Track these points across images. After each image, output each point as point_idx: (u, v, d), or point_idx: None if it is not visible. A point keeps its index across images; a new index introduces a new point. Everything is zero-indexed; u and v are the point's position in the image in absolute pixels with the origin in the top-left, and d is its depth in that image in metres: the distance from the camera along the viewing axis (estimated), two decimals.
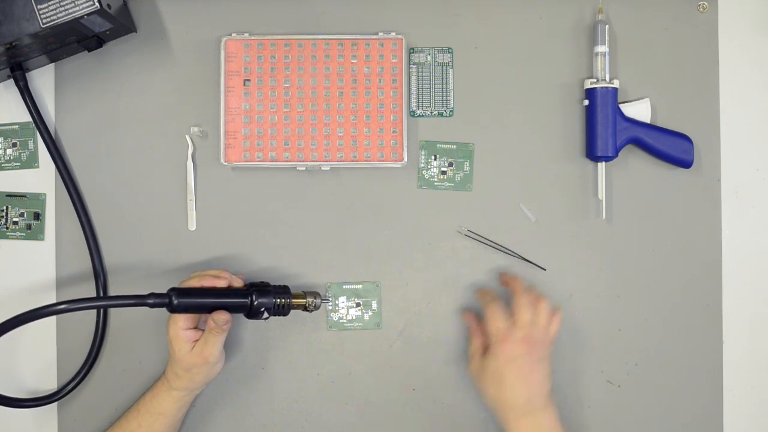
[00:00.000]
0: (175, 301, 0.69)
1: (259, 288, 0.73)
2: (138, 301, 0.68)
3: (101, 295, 0.79)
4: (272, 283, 0.75)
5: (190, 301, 0.70)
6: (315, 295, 0.76)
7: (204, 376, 0.74)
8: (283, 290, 0.74)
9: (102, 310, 0.79)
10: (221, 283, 0.71)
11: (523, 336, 0.71)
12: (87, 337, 0.80)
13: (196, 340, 0.72)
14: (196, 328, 0.73)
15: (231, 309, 0.71)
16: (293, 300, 0.74)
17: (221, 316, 0.70)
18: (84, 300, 0.65)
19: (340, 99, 0.79)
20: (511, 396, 0.70)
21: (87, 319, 0.80)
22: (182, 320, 0.71)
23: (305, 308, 0.75)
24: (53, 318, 0.80)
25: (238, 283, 0.73)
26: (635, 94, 0.81)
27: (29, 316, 0.64)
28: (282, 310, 0.73)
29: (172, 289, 0.69)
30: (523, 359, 0.70)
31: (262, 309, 0.72)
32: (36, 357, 0.81)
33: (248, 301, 0.72)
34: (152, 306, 0.68)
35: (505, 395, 0.70)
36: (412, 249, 0.81)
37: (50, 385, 0.80)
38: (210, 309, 0.71)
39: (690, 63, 0.82)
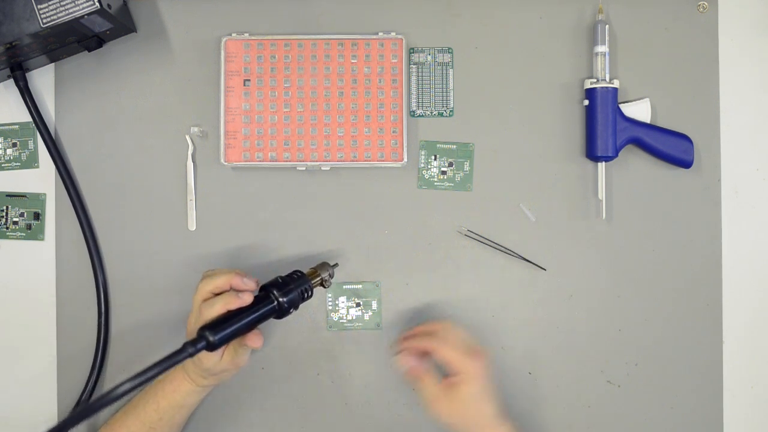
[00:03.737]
0: (212, 339, 0.65)
1: (277, 286, 0.70)
2: (178, 357, 0.63)
3: (103, 298, 0.79)
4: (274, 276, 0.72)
5: (226, 333, 0.66)
6: (325, 266, 0.75)
7: (232, 375, 0.73)
8: (299, 277, 0.72)
9: (103, 316, 0.79)
10: (247, 300, 0.68)
11: (481, 356, 0.72)
12: (88, 338, 0.80)
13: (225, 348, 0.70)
14: None
15: (262, 320, 0.69)
16: (311, 281, 0.73)
17: (256, 345, 0.68)
18: (130, 380, 0.59)
19: (340, 99, 0.79)
20: (490, 412, 0.71)
21: (88, 323, 0.80)
22: None
23: (322, 284, 0.74)
24: (53, 323, 0.80)
25: (251, 286, 0.70)
26: (635, 94, 0.81)
27: (92, 407, 0.59)
28: (307, 297, 0.72)
29: (203, 329, 0.65)
30: (487, 377, 0.72)
31: (291, 309, 0.70)
32: (36, 359, 0.81)
33: (275, 305, 0.69)
34: (193, 354, 0.64)
35: (484, 413, 0.71)
36: (412, 249, 0.81)
37: (50, 389, 0.80)
38: (245, 331, 0.68)
39: (690, 63, 0.82)
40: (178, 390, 0.73)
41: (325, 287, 0.75)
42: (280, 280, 0.71)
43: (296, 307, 0.71)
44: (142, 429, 0.73)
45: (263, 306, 0.69)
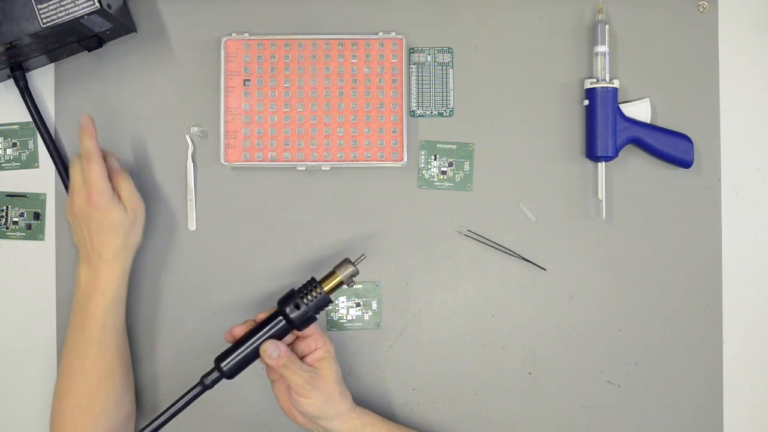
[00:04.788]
0: (225, 367, 0.70)
1: (287, 300, 0.70)
2: (197, 392, 0.70)
3: None
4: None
5: (237, 359, 0.70)
6: (345, 265, 0.71)
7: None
8: (311, 286, 0.71)
9: None
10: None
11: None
12: None
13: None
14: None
15: (275, 338, 0.70)
16: (326, 288, 0.70)
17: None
18: (157, 418, 0.69)
19: (340, 99, 0.79)
20: (350, 398, 0.75)
21: None
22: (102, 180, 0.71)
23: (346, 285, 0.71)
24: (53, 323, 0.80)
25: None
26: (635, 94, 0.81)
27: None
28: (323, 305, 0.71)
29: (217, 360, 0.70)
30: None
31: (308, 322, 0.71)
32: (36, 359, 0.81)
33: (285, 322, 0.70)
34: (211, 386, 0.70)
35: (347, 395, 0.74)
36: (412, 249, 0.81)
37: (50, 389, 0.80)
38: (257, 352, 0.70)
39: (690, 63, 0.82)
40: (108, 289, 0.72)
41: (350, 286, 0.71)
42: (297, 302, 0.70)
43: (313, 319, 0.71)
44: (91, 348, 0.72)
45: (272, 325, 0.70)
